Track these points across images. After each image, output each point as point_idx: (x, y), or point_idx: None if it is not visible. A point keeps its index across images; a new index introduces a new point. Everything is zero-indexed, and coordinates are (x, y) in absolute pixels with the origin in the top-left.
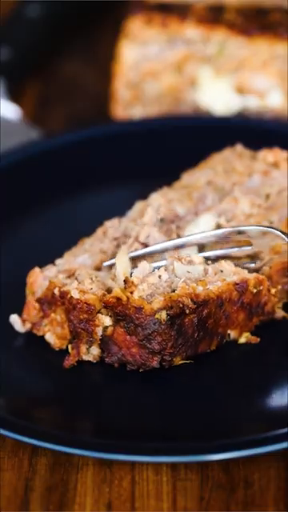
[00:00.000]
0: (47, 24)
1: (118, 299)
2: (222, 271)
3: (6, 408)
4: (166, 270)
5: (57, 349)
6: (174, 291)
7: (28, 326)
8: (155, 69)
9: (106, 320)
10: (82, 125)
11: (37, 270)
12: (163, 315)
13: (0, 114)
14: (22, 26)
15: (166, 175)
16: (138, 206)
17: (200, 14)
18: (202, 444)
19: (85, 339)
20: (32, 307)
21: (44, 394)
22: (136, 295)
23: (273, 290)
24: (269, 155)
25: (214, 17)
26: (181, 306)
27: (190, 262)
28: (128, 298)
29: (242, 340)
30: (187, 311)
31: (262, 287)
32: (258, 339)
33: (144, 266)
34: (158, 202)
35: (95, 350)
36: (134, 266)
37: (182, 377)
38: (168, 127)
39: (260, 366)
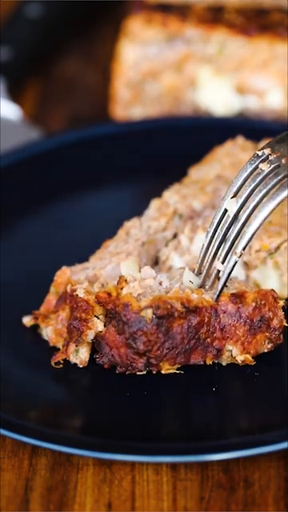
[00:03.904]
0: (47, 24)
1: (109, 294)
2: (226, 286)
3: (6, 408)
4: (169, 279)
5: (52, 344)
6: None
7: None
8: (155, 69)
9: (100, 326)
10: (81, 125)
11: (66, 270)
12: (149, 314)
13: (0, 114)
14: (22, 26)
15: (166, 175)
16: (155, 204)
17: (200, 14)
18: (202, 444)
19: (74, 338)
20: (50, 304)
21: (44, 394)
22: (125, 291)
23: (280, 302)
24: None
25: (214, 17)
26: (169, 307)
27: (201, 273)
28: (118, 293)
29: (241, 358)
30: (176, 314)
31: (264, 301)
32: (254, 362)
33: (146, 270)
34: (173, 199)
35: (83, 355)
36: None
37: (182, 377)
38: (168, 127)
39: (260, 366)
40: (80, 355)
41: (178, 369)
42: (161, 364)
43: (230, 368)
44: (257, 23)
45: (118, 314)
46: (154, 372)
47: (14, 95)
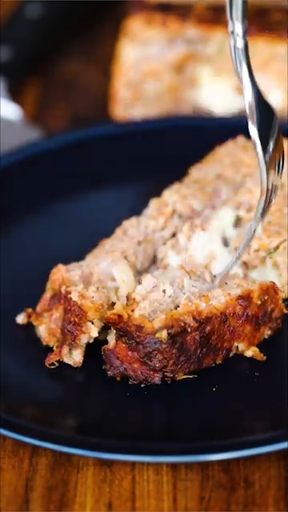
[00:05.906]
0: (47, 24)
1: (120, 316)
2: (226, 283)
3: (6, 408)
4: (170, 284)
5: (45, 343)
6: (177, 307)
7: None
8: (155, 69)
9: (94, 331)
10: (82, 125)
11: (62, 267)
12: (164, 334)
13: (0, 114)
14: (22, 26)
15: (166, 175)
16: (154, 203)
17: (200, 14)
18: (202, 444)
19: (68, 341)
20: (46, 302)
21: (44, 394)
22: (137, 313)
23: (281, 294)
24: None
25: (214, 17)
26: (182, 324)
27: (199, 277)
28: (129, 315)
29: (249, 353)
30: (189, 330)
31: (267, 296)
32: (265, 358)
33: (148, 280)
34: (173, 198)
35: (77, 356)
36: (138, 274)
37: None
38: (168, 127)
39: (260, 367)
40: (74, 357)
41: (189, 373)
42: (176, 375)
43: (229, 368)
44: (257, 23)
45: (129, 334)
46: (169, 382)
47: (14, 95)
